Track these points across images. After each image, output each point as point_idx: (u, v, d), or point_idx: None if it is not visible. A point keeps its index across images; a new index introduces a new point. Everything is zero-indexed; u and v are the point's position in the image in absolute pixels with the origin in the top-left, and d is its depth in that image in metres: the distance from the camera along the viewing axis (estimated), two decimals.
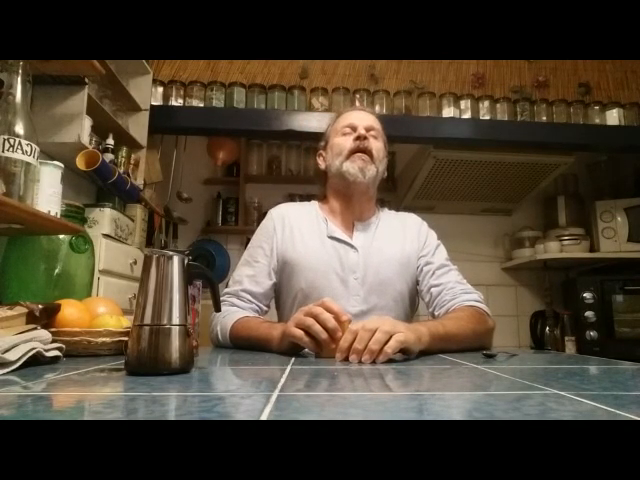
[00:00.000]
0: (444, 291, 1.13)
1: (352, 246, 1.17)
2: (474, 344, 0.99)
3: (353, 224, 1.22)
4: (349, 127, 1.21)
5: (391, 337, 0.74)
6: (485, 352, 0.88)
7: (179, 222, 2.50)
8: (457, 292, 1.12)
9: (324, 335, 0.78)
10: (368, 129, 1.20)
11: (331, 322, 0.78)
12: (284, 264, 1.17)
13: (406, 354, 0.82)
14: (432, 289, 1.16)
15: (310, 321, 0.79)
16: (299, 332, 0.80)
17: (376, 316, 0.87)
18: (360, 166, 1.16)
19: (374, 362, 0.74)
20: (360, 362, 0.74)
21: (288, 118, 2.12)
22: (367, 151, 1.18)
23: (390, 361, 0.76)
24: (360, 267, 1.15)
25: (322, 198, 1.31)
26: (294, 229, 1.20)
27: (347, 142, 1.19)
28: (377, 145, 1.21)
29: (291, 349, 0.86)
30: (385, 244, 1.19)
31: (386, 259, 1.17)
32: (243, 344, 1.03)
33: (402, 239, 1.22)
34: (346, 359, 0.75)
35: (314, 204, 1.30)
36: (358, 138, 1.18)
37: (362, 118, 1.23)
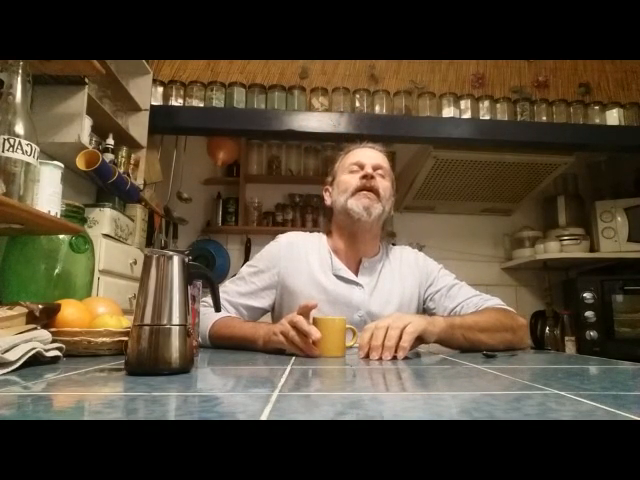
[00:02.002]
0: (465, 307, 1.12)
1: (357, 284, 1.16)
2: (506, 336, 1.00)
3: (360, 261, 1.21)
4: (356, 165, 1.20)
5: (403, 332, 0.83)
6: (485, 352, 0.88)
7: (179, 222, 2.50)
8: (478, 302, 1.12)
9: (302, 344, 0.85)
10: (375, 168, 1.19)
11: (310, 333, 0.84)
12: (285, 290, 1.17)
13: (424, 341, 0.91)
14: (452, 312, 1.14)
15: (292, 332, 0.86)
16: (284, 340, 0.88)
17: (387, 314, 0.93)
18: (365, 205, 1.15)
19: (395, 358, 0.81)
20: (380, 359, 0.82)
21: (288, 118, 2.12)
22: (373, 190, 1.16)
23: (401, 358, 0.82)
24: (364, 305, 1.14)
25: (328, 233, 1.29)
26: (301, 259, 1.18)
27: (353, 180, 1.17)
28: (384, 184, 1.19)
29: (276, 349, 0.92)
30: (388, 285, 1.19)
31: (387, 299, 1.17)
32: (224, 343, 1.04)
33: (401, 279, 1.21)
34: (367, 356, 0.83)
35: (322, 237, 1.27)
36: (365, 177, 1.16)
37: (370, 156, 1.22)
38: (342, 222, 1.21)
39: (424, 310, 1.22)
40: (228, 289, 1.18)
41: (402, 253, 1.28)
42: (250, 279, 1.18)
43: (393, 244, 1.38)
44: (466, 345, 0.96)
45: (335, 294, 1.14)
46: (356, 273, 1.19)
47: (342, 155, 1.28)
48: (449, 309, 1.15)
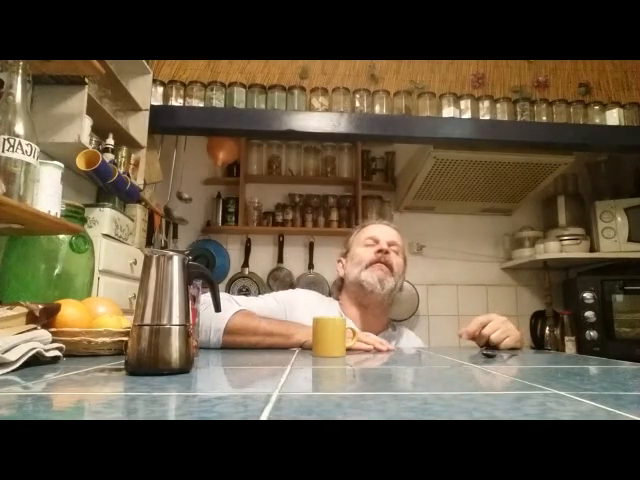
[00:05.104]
0: None
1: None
2: None
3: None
4: (372, 239, 1.24)
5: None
6: (485, 352, 0.88)
7: (179, 222, 2.50)
8: None
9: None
10: (390, 244, 1.23)
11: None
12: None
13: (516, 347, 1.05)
14: None
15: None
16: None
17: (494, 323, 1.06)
18: (380, 277, 1.18)
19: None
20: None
21: (288, 118, 2.11)
22: (387, 264, 1.20)
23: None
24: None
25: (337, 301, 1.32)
26: (312, 313, 1.21)
27: (368, 253, 1.22)
28: (397, 260, 1.23)
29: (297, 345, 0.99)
30: None
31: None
32: (244, 337, 1.03)
33: None
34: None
35: (334, 303, 1.30)
36: (380, 251, 1.20)
37: (386, 233, 1.26)
38: (354, 294, 1.24)
39: None
40: (247, 298, 1.21)
41: (411, 336, 1.33)
42: (268, 306, 1.20)
43: None
44: None
45: None
46: None
47: (357, 229, 1.34)
48: None
